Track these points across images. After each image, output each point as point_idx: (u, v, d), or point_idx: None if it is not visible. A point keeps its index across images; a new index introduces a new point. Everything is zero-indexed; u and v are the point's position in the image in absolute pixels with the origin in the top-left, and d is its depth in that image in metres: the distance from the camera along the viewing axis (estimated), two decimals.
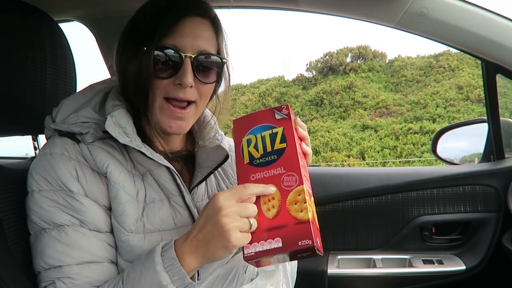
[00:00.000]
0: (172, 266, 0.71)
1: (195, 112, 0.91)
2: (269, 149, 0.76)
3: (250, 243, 0.70)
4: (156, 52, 0.82)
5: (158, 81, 0.84)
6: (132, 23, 0.89)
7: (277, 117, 0.78)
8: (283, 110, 0.79)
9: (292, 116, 0.79)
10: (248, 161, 0.77)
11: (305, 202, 0.69)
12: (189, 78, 0.83)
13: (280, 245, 0.68)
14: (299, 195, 0.70)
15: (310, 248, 0.67)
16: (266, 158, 0.75)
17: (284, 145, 0.75)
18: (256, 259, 0.70)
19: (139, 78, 0.84)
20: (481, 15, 1.27)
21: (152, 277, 0.72)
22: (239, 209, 0.70)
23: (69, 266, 0.78)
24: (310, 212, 0.69)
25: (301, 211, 0.69)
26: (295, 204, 0.70)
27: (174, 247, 0.73)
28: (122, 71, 0.89)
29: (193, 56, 0.84)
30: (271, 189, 0.73)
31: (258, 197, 0.73)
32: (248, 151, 0.77)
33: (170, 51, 0.82)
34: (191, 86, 0.85)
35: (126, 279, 0.75)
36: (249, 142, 0.78)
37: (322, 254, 0.70)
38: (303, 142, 0.81)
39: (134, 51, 0.84)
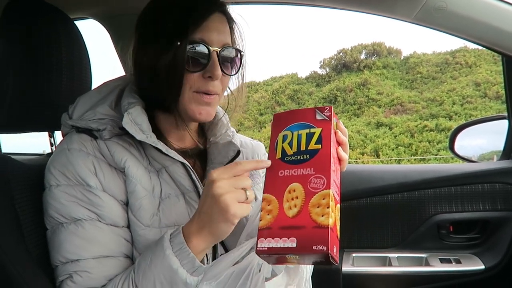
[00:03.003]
0: (181, 250, 0.73)
1: (218, 102, 0.94)
2: (303, 148, 0.74)
3: (265, 237, 0.69)
4: (189, 46, 0.83)
5: (188, 75, 0.85)
6: (153, 19, 0.88)
7: (318, 117, 0.76)
8: (325, 111, 0.77)
9: (334, 119, 0.77)
10: (279, 156, 0.75)
11: (328, 207, 0.67)
12: (219, 70, 0.86)
13: (294, 245, 0.66)
14: (323, 199, 0.68)
15: (324, 255, 0.65)
16: (298, 157, 0.73)
17: (319, 146, 0.73)
18: (267, 255, 0.69)
19: (173, 73, 0.84)
20: (502, 8, 1.24)
21: (162, 262, 0.73)
22: (232, 181, 0.70)
23: (86, 260, 0.79)
24: (332, 218, 0.67)
25: (322, 216, 0.67)
26: (318, 207, 0.68)
27: (182, 232, 0.74)
28: (145, 67, 0.88)
29: (218, 50, 0.86)
30: (267, 162, 0.73)
31: (281, 194, 0.71)
32: (282, 147, 0.76)
33: (201, 45, 0.84)
34: (218, 79, 0.87)
35: (137, 268, 0.77)
36: (284, 137, 0.77)
37: (336, 264, 0.68)
38: (340, 147, 0.78)
39: (162, 46, 0.84)
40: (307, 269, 0.94)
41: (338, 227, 0.70)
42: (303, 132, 0.76)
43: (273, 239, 0.68)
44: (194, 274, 0.74)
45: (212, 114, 0.91)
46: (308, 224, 0.67)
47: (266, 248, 0.68)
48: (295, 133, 0.76)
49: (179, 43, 0.82)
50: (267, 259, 0.71)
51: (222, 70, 0.87)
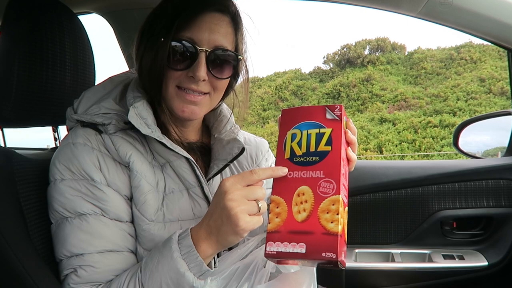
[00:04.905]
0: (189, 253, 0.72)
1: (209, 102, 0.92)
2: (312, 149, 0.72)
3: (274, 241, 0.69)
4: (173, 43, 0.83)
5: (171, 72, 0.85)
6: (153, 14, 0.90)
7: (328, 116, 0.74)
8: (335, 110, 0.74)
9: (344, 118, 0.75)
10: (288, 156, 0.74)
11: (337, 214, 0.67)
12: (202, 72, 0.84)
13: (303, 251, 0.66)
14: (333, 204, 0.68)
15: (333, 261, 0.65)
16: (308, 158, 0.72)
17: (328, 148, 0.72)
18: (276, 259, 0.69)
19: (154, 68, 0.85)
20: (507, 3, 1.23)
21: (170, 265, 0.73)
22: (245, 192, 0.69)
23: (90, 255, 0.80)
24: (341, 224, 0.67)
25: (332, 222, 0.66)
26: (327, 213, 0.67)
27: (191, 235, 0.74)
28: (139, 61, 0.90)
29: (208, 50, 0.84)
30: (283, 170, 0.72)
31: (290, 196, 0.71)
32: (291, 146, 0.74)
33: (186, 44, 0.83)
34: (203, 80, 0.85)
35: (144, 268, 0.77)
36: (293, 136, 0.75)
37: (344, 268, 0.68)
38: (349, 147, 0.77)
39: (152, 41, 0.86)
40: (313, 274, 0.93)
41: (346, 231, 0.70)
42: (313, 132, 0.74)
43: (282, 243, 0.68)
44: (201, 278, 0.74)
45: (197, 114, 0.90)
46: (317, 230, 0.67)
47: (275, 252, 0.68)
48: (304, 133, 0.74)
49: (162, 39, 0.82)
50: (276, 261, 0.72)
51: (210, 72, 0.86)
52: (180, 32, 0.83)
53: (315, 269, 0.87)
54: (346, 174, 0.74)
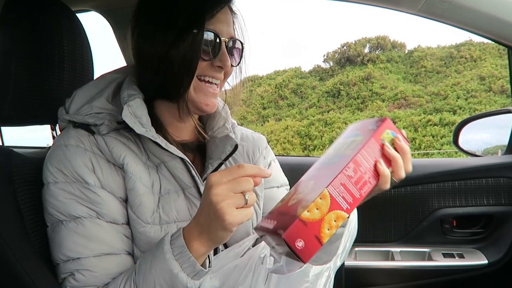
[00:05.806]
0: (181, 254, 0.71)
1: (219, 91, 0.95)
2: (338, 153, 0.76)
3: (266, 218, 0.72)
4: (205, 35, 0.84)
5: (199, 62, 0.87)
6: (163, 9, 0.86)
7: (370, 127, 0.76)
8: (377, 122, 0.76)
9: (389, 131, 0.74)
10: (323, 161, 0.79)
11: (312, 202, 0.66)
12: (229, 61, 0.88)
13: (271, 227, 0.68)
14: (317, 195, 0.67)
15: (285, 242, 0.62)
16: (331, 160, 0.76)
17: (348, 152, 0.73)
18: (260, 234, 0.72)
19: (188, 61, 0.84)
20: (507, 1, 1.22)
21: (163, 266, 0.71)
22: (231, 185, 0.68)
23: (87, 258, 0.78)
24: (309, 212, 0.64)
25: (303, 208, 0.66)
26: (306, 201, 0.68)
27: (183, 234, 0.72)
28: (152, 57, 0.86)
29: (227, 40, 0.88)
30: (268, 172, 0.73)
31: (296, 188, 0.74)
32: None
33: (214, 35, 0.86)
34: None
35: (138, 270, 0.75)
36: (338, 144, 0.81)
37: (304, 263, 0.64)
38: (382, 161, 0.71)
39: (177, 35, 0.83)
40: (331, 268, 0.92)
41: (323, 230, 0.65)
42: (350, 140, 0.78)
43: (267, 220, 0.71)
44: (195, 278, 0.73)
45: (216, 106, 0.93)
46: (291, 212, 0.67)
47: (260, 226, 0.72)
48: (347, 140, 0.79)
49: (195, 31, 0.82)
50: (275, 251, 0.72)
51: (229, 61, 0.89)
52: (206, 25, 0.85)
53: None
54: (363, 184, 0.70)
